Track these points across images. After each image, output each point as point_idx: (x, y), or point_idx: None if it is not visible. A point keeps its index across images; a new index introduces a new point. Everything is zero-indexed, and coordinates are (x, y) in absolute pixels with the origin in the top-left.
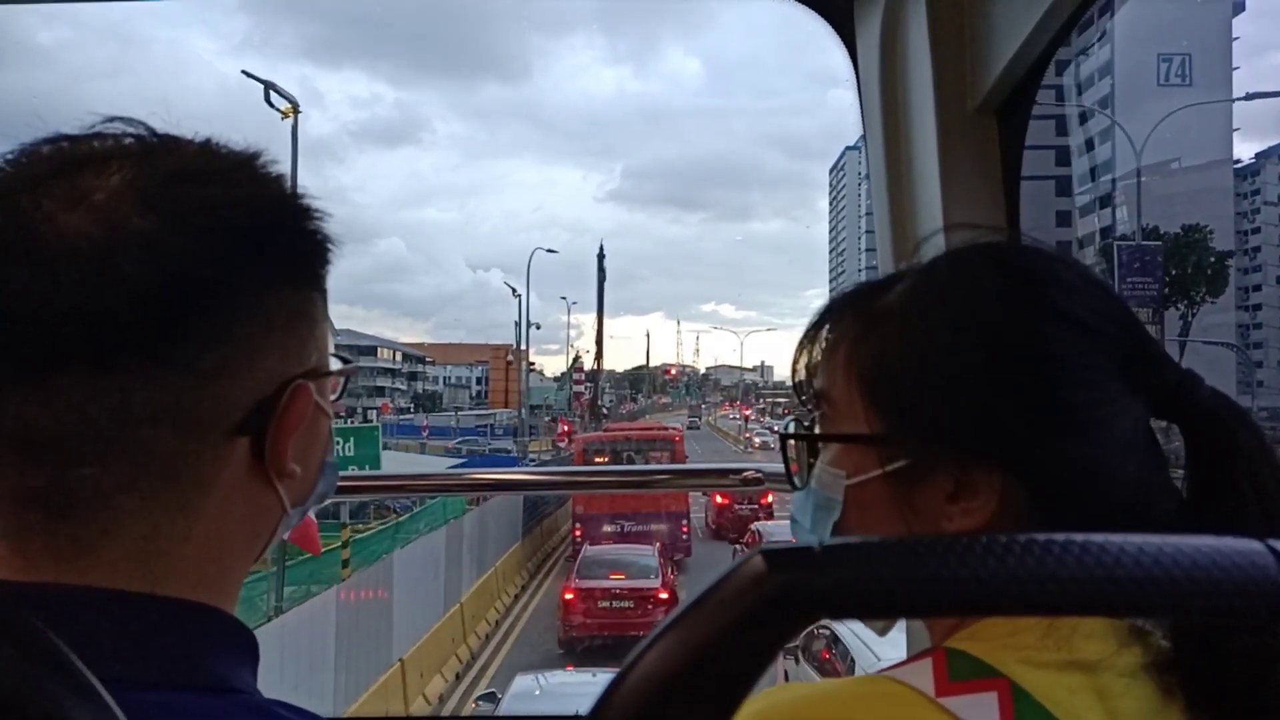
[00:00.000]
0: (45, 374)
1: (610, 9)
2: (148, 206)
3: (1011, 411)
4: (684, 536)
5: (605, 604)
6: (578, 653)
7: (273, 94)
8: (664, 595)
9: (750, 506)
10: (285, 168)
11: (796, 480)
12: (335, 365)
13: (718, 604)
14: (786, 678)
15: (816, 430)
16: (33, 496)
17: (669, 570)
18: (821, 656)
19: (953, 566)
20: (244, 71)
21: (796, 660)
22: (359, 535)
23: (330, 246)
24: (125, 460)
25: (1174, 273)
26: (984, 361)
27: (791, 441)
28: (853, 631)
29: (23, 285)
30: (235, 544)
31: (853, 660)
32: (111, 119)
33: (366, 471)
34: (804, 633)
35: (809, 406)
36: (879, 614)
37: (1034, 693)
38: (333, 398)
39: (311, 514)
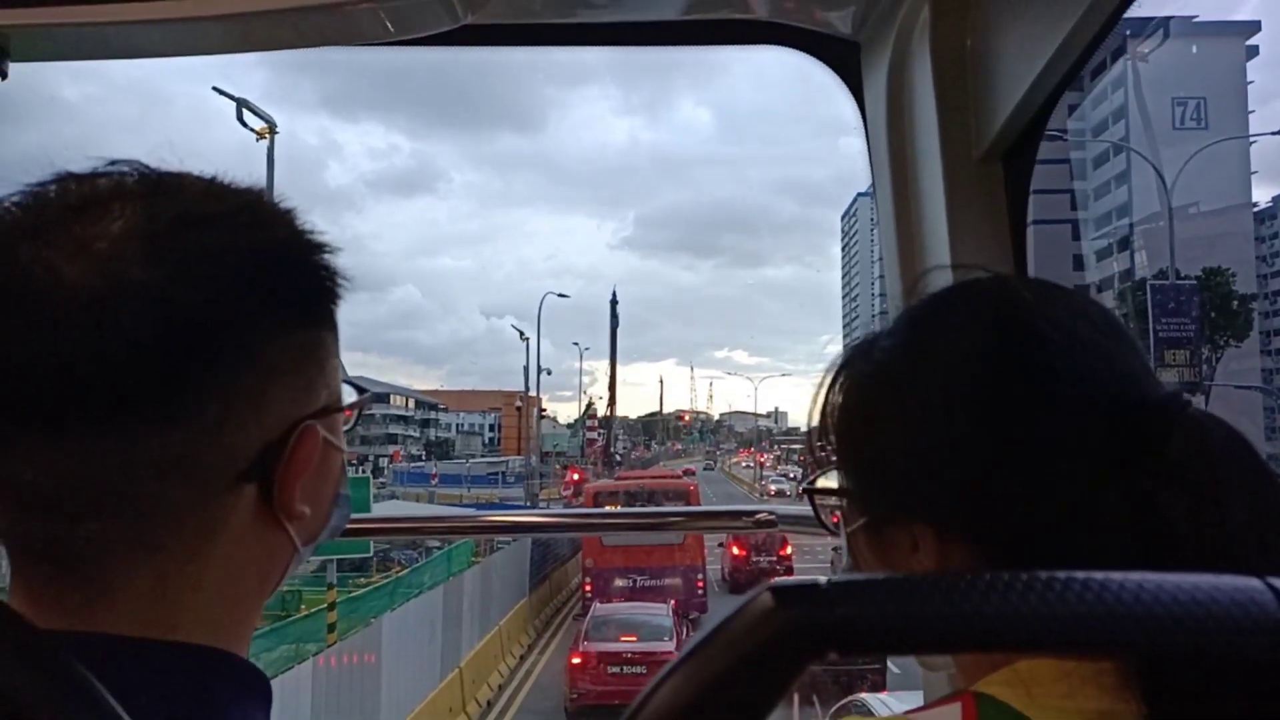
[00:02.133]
0: (46, 428)
1: (624, 61)
2: (150, 255)
3: (953, 475)
4: (699, 591)
5: (615, 669)
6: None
7: (246, 113)
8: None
9: (769, 559)
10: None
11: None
12: (349, 396)
13: (727, 640)
14: None
15: (826, 480)
16: (39, 550)
17: (684, 631)
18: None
19: (958, 603)
20: (215, 88)
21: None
22: (353, 594)
23: (339, 282)
24: (130, 514)
25: (1197, 316)
26: (940, 424)
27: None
28: (885, 704)
29: (22, 338)
30: (247, 586)
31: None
32: (115, 162)
33: (374, 514)
34: (837, 707)
35: (827, 455)
36: (887, 649)
37: None
38: (347, 427)
39: None
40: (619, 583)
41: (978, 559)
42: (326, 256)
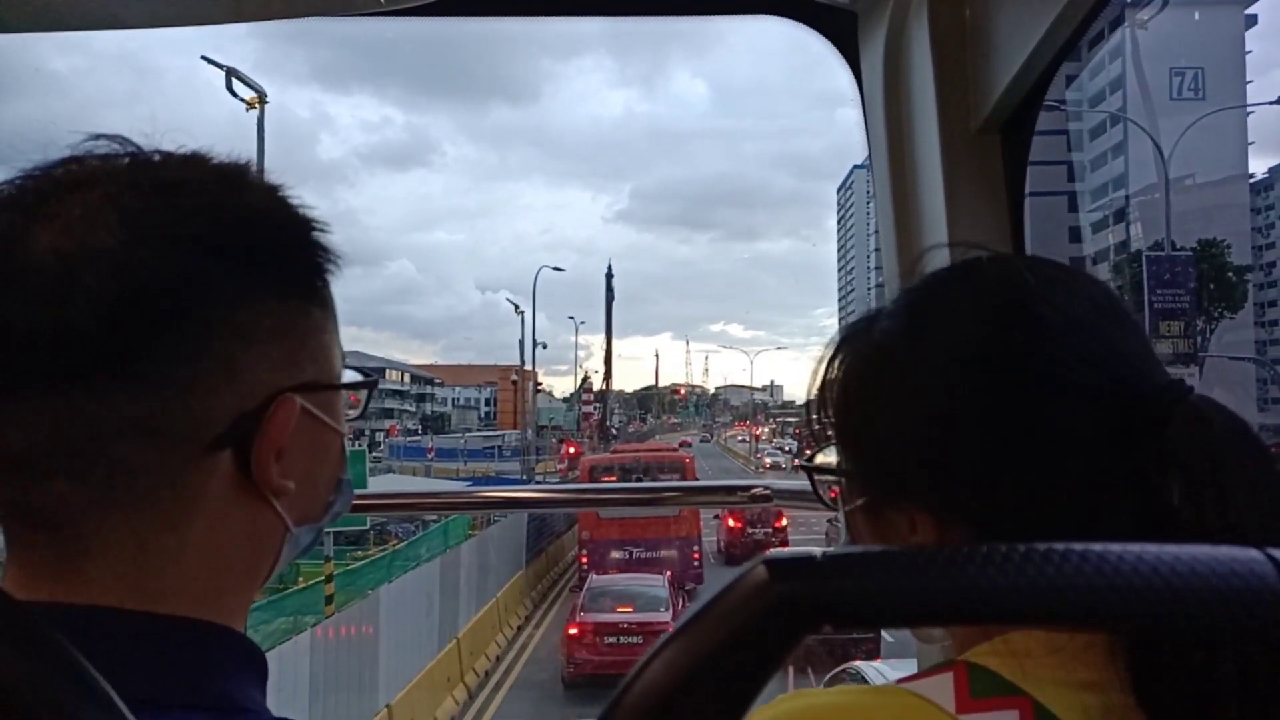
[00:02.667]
0: (15, 390)
1: (618, 31)
2: (121, 221)
3: (948, 461)
4: (695, 564)
5: (612, 639)
6: (582, 693)
7: (235, 82)
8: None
9: (764, 530)
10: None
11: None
12: (350, 378)
13: (721, 613)
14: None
15: (824, 456)
16: (17, 511)
17: (680, 601)
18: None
19: (954, 576)
20: (204, 57)
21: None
22: (350, 567)
23: (328, 259)
24: (100, 475)
25: (1193, 287)
26: (936, 408)
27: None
28: (879, 672)
29: None
30: (233, 562)
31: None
32: (98, 137)
33: (372, 490)
34: (831, 675)
35: (824, 431)
36: (881, 623)
37: (1056, 712)
38: (353, 414)
39: None
40: (615, 555)
41: (966, 537)
42: (314, 232)
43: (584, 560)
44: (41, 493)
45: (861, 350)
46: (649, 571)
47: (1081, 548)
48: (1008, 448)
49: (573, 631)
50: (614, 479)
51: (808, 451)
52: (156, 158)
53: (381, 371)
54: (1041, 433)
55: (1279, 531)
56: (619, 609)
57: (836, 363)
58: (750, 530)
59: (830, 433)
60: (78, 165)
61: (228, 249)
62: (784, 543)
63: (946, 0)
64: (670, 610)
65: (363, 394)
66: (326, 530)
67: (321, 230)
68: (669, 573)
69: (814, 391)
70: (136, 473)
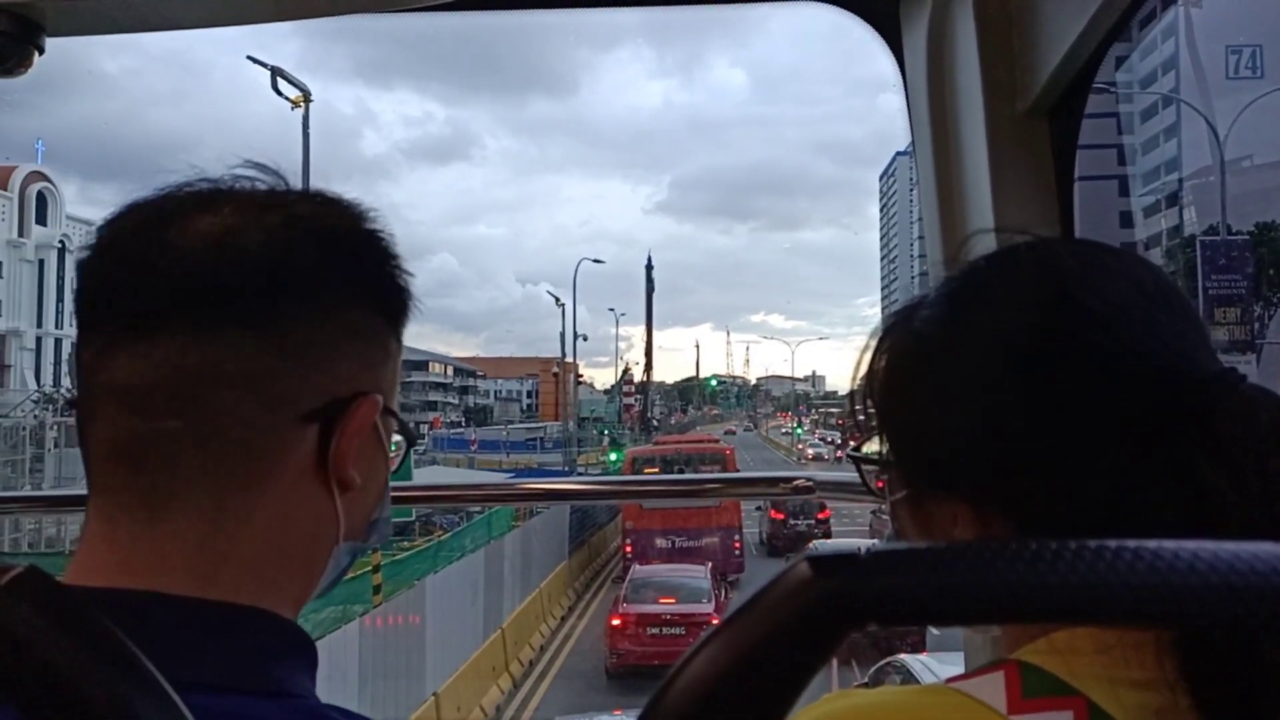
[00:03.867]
0: (152, 332)
1: (657, 20)
2: (266, 224)
3: (991, 450)
4: (736, 553)
5: (655, 630)
6: (625, 683)
7: (280, 81)
8: (716, 620)
9: (807, 522)
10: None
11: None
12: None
13: (764, 610)
14: None
15: (865, 448)
16: (120, 447)
17: (723, 592)
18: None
19: (1000, 573)
20: (249, 57)
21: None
22: (397, 557)
23: (410, 298)
24: (206, 418)
25: (1250, 272)
26: (979, 396)
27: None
28: (925, 666)
29: (151, 258)
30: (293, 548)
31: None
32: (249, 163)
33: (417, 482)
34: (876, 668)
35: (868, 421)
36: (925, 620)
37: (1111, 711)
38: (395, 465)
39: None
40: (659, 544)
41: (1008, 530)
42: (404, 274)
43: (628, 549)
44: (150, 431)
45: (902, 340)
46: (691, 561)
47: (1134, 544)
48: (1049, 440)
49: (616, 622)
50: (656, 470)
51: (852, 442)
52: (290, 188)
53: (425, 364)
54: (1084, 424)
55: None
56: (661, 600)
57: (880, 352)
58: (793, 521)
59: (874, 423)
60: (214, 188)
61: (350, 262)
62: (827, 534)
63: None
64: (713, 601)
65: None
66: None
67: (409, 275)
68: (710, 564)
69: (858, 381)
70: (237, 422)
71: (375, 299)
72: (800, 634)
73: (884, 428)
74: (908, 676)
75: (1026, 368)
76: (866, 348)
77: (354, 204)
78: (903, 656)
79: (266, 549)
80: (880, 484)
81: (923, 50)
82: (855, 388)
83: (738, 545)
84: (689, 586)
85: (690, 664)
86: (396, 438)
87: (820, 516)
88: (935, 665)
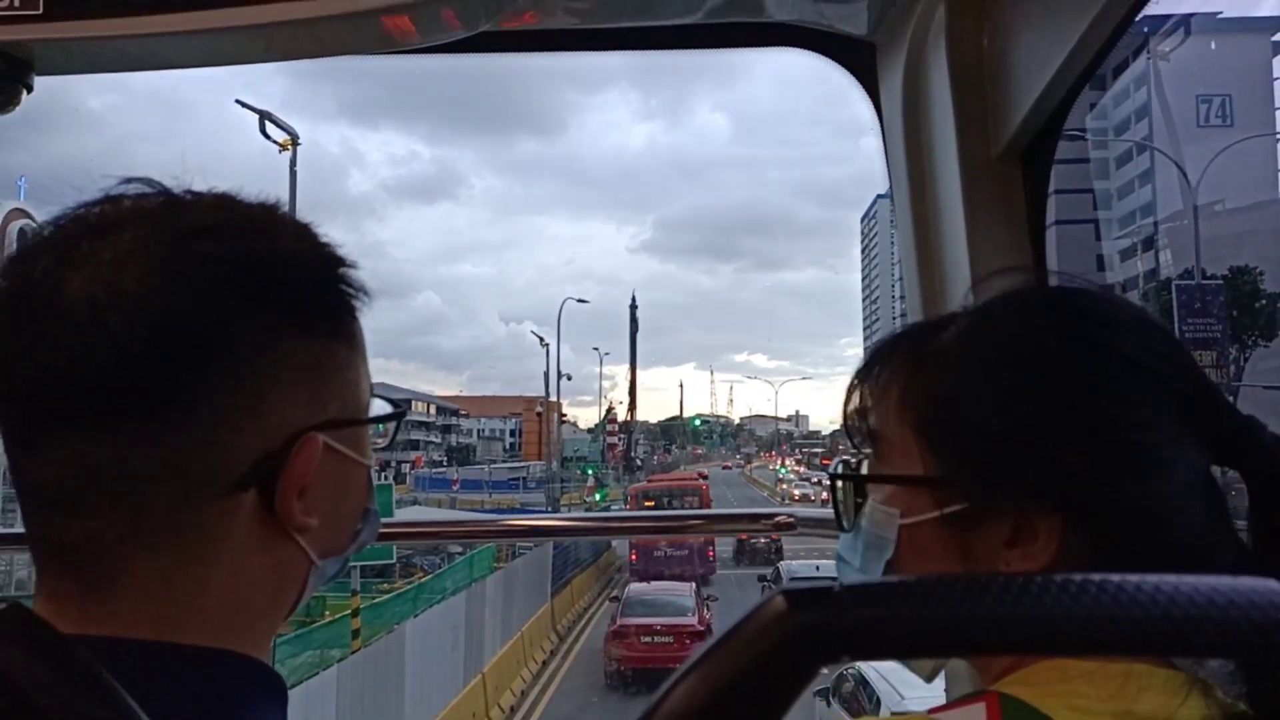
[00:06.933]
0: (48, 432)
1: (642, 65)
2: (149, 266)
3: (1072, 453)
4: (711, 560)
5: (648, 639)
6: (622, 682)
7: (269, 125)
8: (700, 628)
9: (765, 539)
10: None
11: (845, 521)
12: (379, 409)
13: (740, 643)
14: None
15: (865, 471)
16: (50, 545)
17: (704, 608)
18: (851, 698)
19: (970, 606)
20: (238, 101)
21: (828, 703)
22: (376, 600)
23: (355, 294)
24: (126, 514)
25: (1224, 315)
26: (1044, 403)
27: (840, 482)
28: (880, 674)
29: (27, 347)
30: (257, 595)
31: (879, 700)
32: (130, 180)
33: (397, 518)
34: (835, 675)
35: (859, 447)
36: (897, 654)
37: None
38: (382, 443)
39: None
40: (655, 552)
41: (1082, 545)
42: (341, 269)
43: (633, 557)
44: (70, 530)
45: (939, 351)
46: (678, 563)
47: (1100, 577)
48: (1117, 435)
49: (615, 632)
50: (653, 502)
51: (844, 463)
52: (188, 199)
53: (408, 403)
54: (1143, 419)
55: None
56: (652, 615)
57: (888, 374)
58: (753, 539)
59: (866, 448)
60: (111, 207)
61: (252, 291)
62: (779, 550)
63: (964, 29)
64: (696, 615)
65: (391, 425)
66: (353, 563)
67: (349, 267)
68: (694, 582)
69: (854, 407)
70: (161, 512)
71: (300, 324)
72: (775, 667)
73: (934, 440)
74: (860, 682)
75: (1063, 373)
76: (872, 367)
77: (254, 213)
78: (858, 664)
79: (229, 603)
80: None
81: (899, 96)
82: (853, 412)
83: (711, 554)
84: (676, 604)
85: (669, 697)
86: (385, 406)
87: (773, 536)
88: (886, 671)
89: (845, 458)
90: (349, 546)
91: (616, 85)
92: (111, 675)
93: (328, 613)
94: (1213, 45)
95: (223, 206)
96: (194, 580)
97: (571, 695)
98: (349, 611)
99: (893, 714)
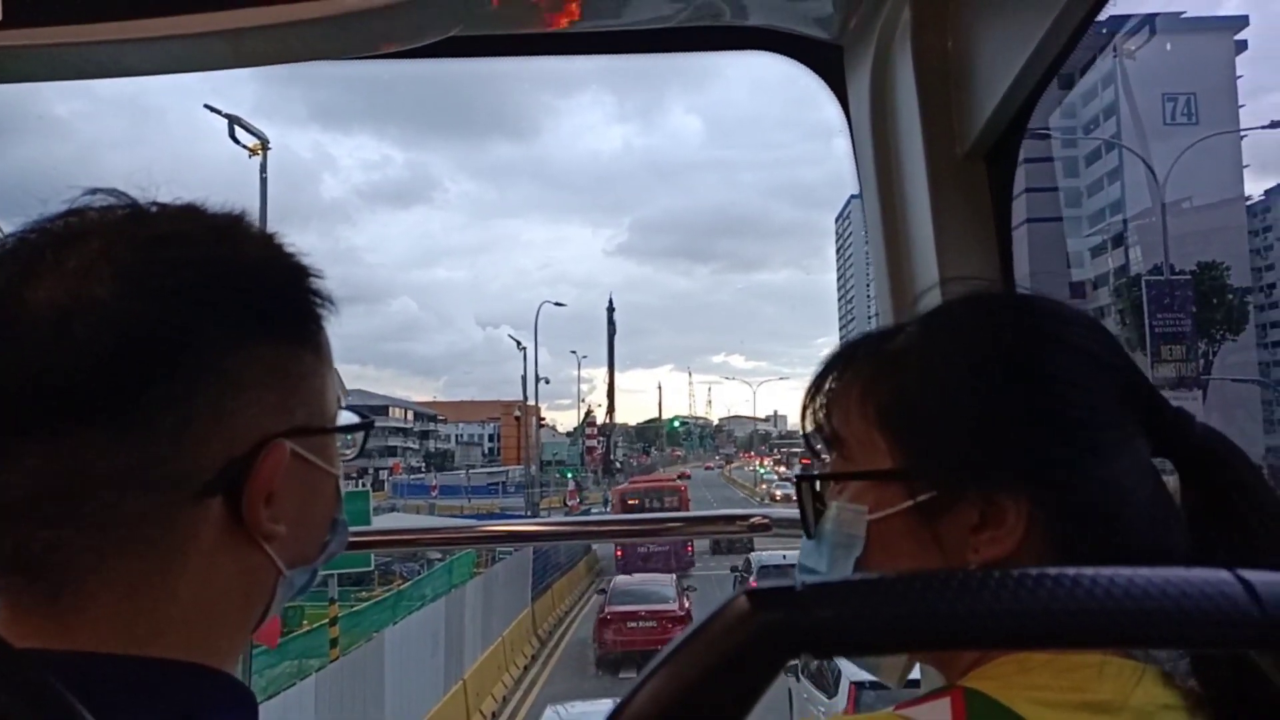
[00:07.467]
0: (10, 439)
1: (616, 68)
2: (114, 274)
3: (1035, 437)
4: (689, 554)
5: (634, 624)
6: (611, 663)
7: (238, 130)
8: (680, 613)
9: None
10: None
11: (810, 528)
12: (347, 419)
13: (705, 643)
14: (791, 696)
15: (847, 464)
16: (9, 560)
17: (684, 597)
18: (818, 674)
19: (930, 602)
20: (207, 106)
21: (797, 678)
22: (355, 609)
23: (321, 303)
24: (92, 523)
25: (1193, 310)
26: (1006, 389)
27: (805, 487)
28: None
29: None
30: (225, 605)
31: (839, 671)
32: (96, 191)
33: (373, 527)
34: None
35: (819, 452)
36: (860, 650)
37: None
38: (350, 454)
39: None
40: (639, 549)
41: (1047, 525)
42: (306, 278)
43: (619, 554)
44: (35, 540)
45: (899, 351)
46: (659, 558)
47: (1055, 571)
48: (1074, 419)
49: (603, 620)
50: (637, 502)
51: (806, 462)
52: (153, 209)
53: (384, 409)
54: (1098, 403)
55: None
56: (637, 602)
57: (840, 377)
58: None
59: (833, 450)
60: (76, 218)
61: (218, 298)
62: (751, 542)
63: (929, 31)
64: (676, 602)
65: (360, 435)
66: (330, 571)
67: (314, 276)
68: (674, 572)
69: (812, 411)
70: (127, 520)
71: (265, 331)
72: (739, 666)
73: (901, 434)
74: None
75: (1025, 360)
76: (829, 373)
77: (219, 222)
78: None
79: (197, 613)
80: (837, 501)
81: (866, 98)
82: (812, 418)
83: (690, 549)
84: (659, 593)
85: (636, 697)
86: (352, 417)
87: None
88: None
89: (807, 464)
90: (317, 557)
91: (590, 88)
92: (75, 691)
93: (305, 622)
94: (1175, 45)
95: (188, 216)
96: (161, 590)
97: (567, 678)
98: (327, 620)
99: (859, 714)
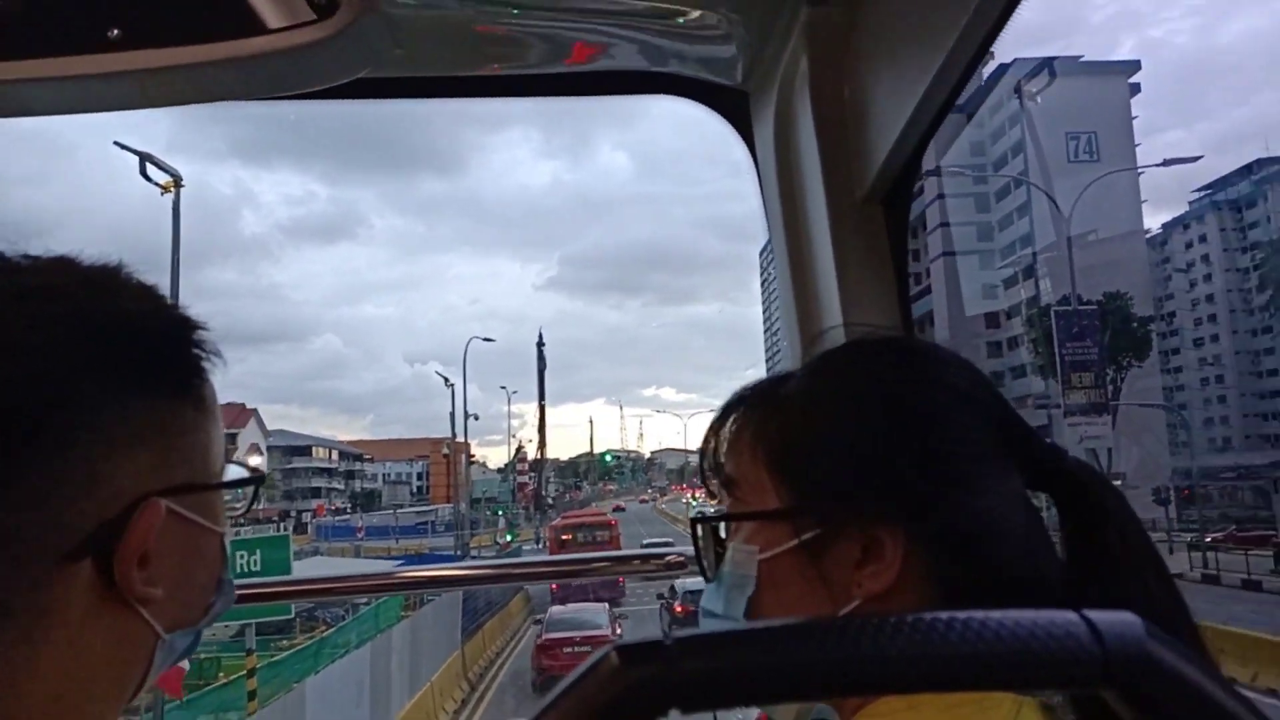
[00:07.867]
0: None
1: (541, 107)
2: None
3: (909, 472)
4: (620, 584)
5: (570, 650)
6: (547, 686)
7: (150, 167)
8: (613, 638)
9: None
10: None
11: (707, 571)
12: (236, 474)
13: (577, 700)
14: None
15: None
16: None
17: (615, 624)
18: None
19: (796, 653)
20: (117, 143)
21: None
22: (275, 658)
23: (205, 355)
24: None
25: (1100, 339)
26: (883, 427)
27: (701, 530)
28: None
29: None
30: (96, 673)
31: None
32: None
33: (297, 575)
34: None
35: (715, 494)
36: (729, 703)
37: None
38: (240, 508)
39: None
40: (573, 581)
41: (925, 558)
42: (189, 331)
43: (555, 587)
44: None
45: (786, 395)
46: (594, 589)
47: (913, 617)
48: (948, 455)
49: (540, 646)
50: (569, 536)
51: (708, 506)
52: (22, 262)
53: (308, 449)
54: (970, 438)
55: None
56: (571, 630)
57: (736, 421)
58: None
59: (727, 492)
60: None
61: (91, 353)
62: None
63: (826, 79)
64: (609, 628)
65: (250, 490)
66: (249, 621)
67: (198, 327)
68: (606, 602)
69: (710, 455)
70: None
71: (142, 387)
72: None
73: (784, 474)
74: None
75: (901, 399)
76: (722, 418)
77: (94, 274)
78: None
79: (65, 687)
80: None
81: (771, 143)
82: (713, 453)
83: (621, 580)
84: (592, 621)
85: None
86: (240, 471)
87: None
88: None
89: (703, 508)
90: (201, 619)
91: (518, 125)
92: None
93: (222, 674)
94: (1074, 86)
95: (59, 268)
96: (26, 658)
97: (504, 704)
98: (245, 672)
99: None
